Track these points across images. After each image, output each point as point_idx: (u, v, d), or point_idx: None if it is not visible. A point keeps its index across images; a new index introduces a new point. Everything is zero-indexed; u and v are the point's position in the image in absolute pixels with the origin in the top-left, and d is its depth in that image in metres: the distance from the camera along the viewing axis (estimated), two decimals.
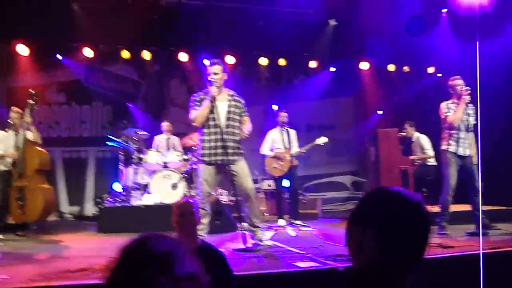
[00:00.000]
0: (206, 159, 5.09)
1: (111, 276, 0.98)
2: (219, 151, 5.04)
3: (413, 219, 1.33)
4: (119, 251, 1.00)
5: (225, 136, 5.04)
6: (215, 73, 5.08)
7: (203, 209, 4.89)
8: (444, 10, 9.38)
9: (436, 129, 6.55)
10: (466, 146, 5.97)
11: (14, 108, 6.88)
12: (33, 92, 6.59)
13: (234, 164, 5.11)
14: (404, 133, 8.51)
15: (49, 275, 3.61)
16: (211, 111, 5.06)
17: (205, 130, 5.12)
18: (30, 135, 6.76)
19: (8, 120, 6.80)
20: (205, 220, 5.00)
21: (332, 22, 10.34)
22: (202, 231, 4.93)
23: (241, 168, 5.18)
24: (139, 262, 0.95)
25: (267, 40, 10.00)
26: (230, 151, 5.06)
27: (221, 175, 5.25)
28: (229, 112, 5.17)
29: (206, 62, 10.62)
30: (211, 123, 5.08)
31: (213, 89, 5.01)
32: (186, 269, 0.95)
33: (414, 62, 10.90)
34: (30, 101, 6.53)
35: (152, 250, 0.98)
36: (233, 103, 5.23)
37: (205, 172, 5.09)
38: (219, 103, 5.11)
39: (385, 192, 1.41)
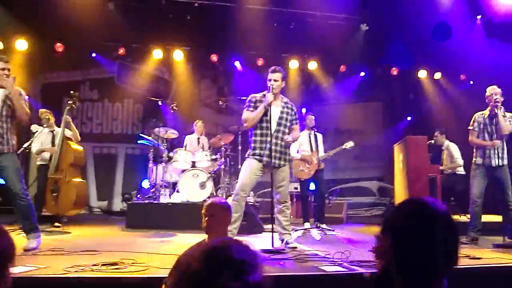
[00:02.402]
0: (254, 157, 5.24)
1: (187, 272, 1.03)
2: (266, 152, 5.18)
3: (430, 228, 1.29)
4: (202, 251, 1.06)
5: (273, 140, 5.19)
6: (275, 80, 5.22)
7: (236, 201, 5.06)
8: (479, 17, 9.28)
9: (466, 137, 6.45)
10: (495, 156, 5.83)
11: (41, 110, 7.25)
12: (72, 92, 6.75)
13: (278, 168, 5.25)
14: (434, 141, 8.38)
15: (83, 268, 3.71)
16: (265, 114, 5.20)
17: (257, 132, 5.28)
18: (69, 132, 7.00)
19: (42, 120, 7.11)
20: (238, 221, 5.13)
21: (364, 27, 10.30)
22: (235, 230, 5.03)
23: (285, 173, 5.34)
24: (219, 265, 1.02)
25: (298, 43, 10.04)
26: (277, 155, 5.22)
27: (263, 175, 5.39)
28: (280, 118, 5.31)
29: (237, 64, 10.78)
30: (264, 125, 5.24)
31: (270, 96, 5.14)
32: (256, 278, 1.01)
33: (446, 69, 10.79)
34: (69, 101, 6.69)
35: (233, 256, 1.04)
36: (285, 110, 5.37)
37: (249, 167, 5.22)
38: (273, 108, 5.24)
39: (412, 200, 1.40)
